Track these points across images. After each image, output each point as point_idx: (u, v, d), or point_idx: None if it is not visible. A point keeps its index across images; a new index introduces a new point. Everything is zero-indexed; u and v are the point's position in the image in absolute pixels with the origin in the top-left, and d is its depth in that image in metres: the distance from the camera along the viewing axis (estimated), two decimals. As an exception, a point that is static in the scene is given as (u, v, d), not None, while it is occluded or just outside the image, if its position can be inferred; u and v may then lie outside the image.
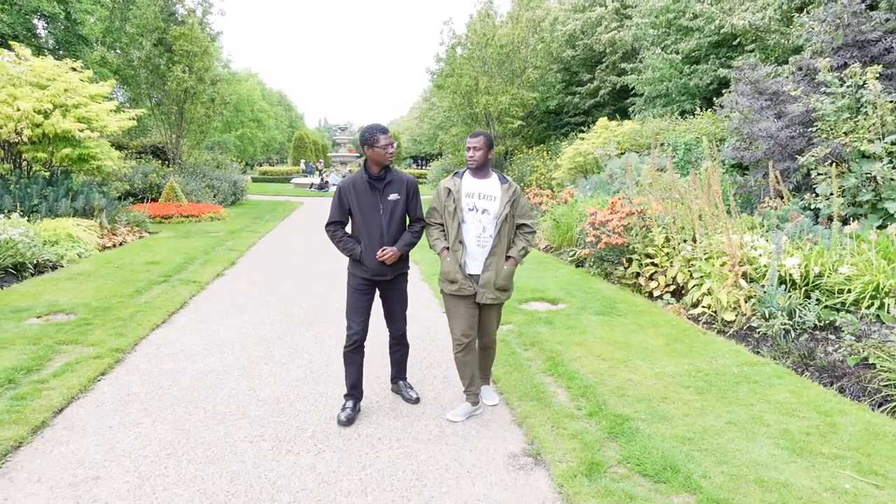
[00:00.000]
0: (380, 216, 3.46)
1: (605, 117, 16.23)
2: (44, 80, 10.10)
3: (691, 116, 13.23)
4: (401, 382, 3.94)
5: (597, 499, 2.67)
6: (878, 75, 6.38)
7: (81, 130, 9.91)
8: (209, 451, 3.18)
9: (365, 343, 3.62)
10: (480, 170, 3.43)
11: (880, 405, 3.53)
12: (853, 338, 4.22)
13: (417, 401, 3.81)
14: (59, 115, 9.83)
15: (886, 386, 3.58)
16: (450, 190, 3.42)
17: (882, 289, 4.53)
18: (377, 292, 3.68)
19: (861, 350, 4.01)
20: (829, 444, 3.12)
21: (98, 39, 19.56)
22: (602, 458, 3.02)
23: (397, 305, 3.71)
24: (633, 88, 17.60)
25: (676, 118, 13.87)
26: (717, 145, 10.06)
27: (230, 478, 2.92)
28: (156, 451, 3.18)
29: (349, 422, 3.53)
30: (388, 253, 3.42)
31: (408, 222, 3.66)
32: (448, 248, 3.42)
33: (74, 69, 10.82)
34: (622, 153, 12.86)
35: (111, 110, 11.01)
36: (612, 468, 2.94)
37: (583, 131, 17.17)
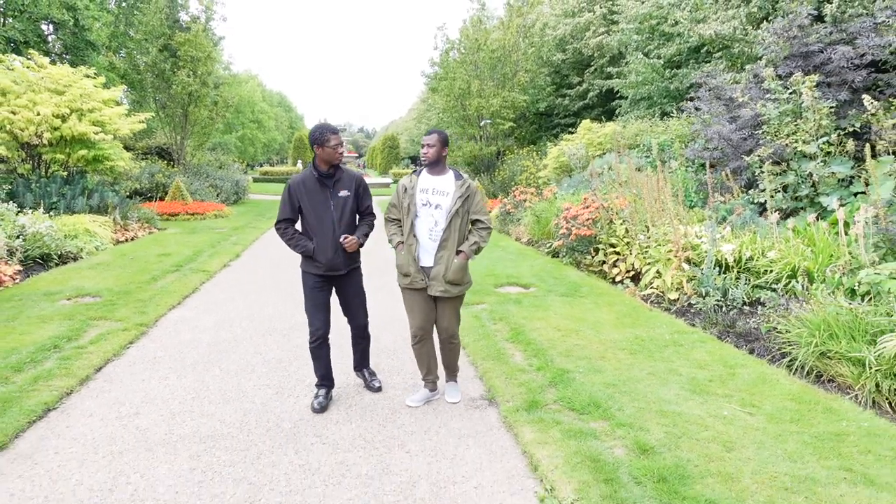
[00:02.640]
0: (331, 212, 3.57)
1: (590, 119, 16.99)
2: (61, 86, 10.87)
3: (670, 118, 13.97)
4: (364, 371, 4.10)
5: (531, 425, 3.42)
6: (816, 83, 7.13)
7: (96, 133, 10.69)
8: (225, 395, 3.94)
9: (329, 337, 3.78)
10: (435, 166, 3.57)
11: (777, 360, 4.29)
12: (770, 310, 4.96)
13: (380, 389, 3.92)
14: (76, 118, 10.60)
15: (783, 345, 4.33)
16: (406, 187, 3.58)
17: (797, 270, 5.29)
18: (334, 289, 3.79)
19: (772, 319, 4.75)
20: (725, 387, 3.88)
21: (104, 45, 20.30)
22: (541, 398, 3.77)
23: (355, 299, 3.82)
24: (618, 91, 18.35)
25: (656, 120, 14.61)
26: (687, 145, 10.82)
27: (243, 412, 3.67)
28: (182, 395, 3.93)
29: (322, 409, 3.66)
30: (350, 239, 3.56)
31: (357, 219, 3.78)
32: (403, 243, 3.58)
33: (88, 76, 11.57)
34: (604, 153, 13.64)
35: (123, 114, 11.78)
36: (547, 405, 3.69)
37: (571, 132, 17.92)
